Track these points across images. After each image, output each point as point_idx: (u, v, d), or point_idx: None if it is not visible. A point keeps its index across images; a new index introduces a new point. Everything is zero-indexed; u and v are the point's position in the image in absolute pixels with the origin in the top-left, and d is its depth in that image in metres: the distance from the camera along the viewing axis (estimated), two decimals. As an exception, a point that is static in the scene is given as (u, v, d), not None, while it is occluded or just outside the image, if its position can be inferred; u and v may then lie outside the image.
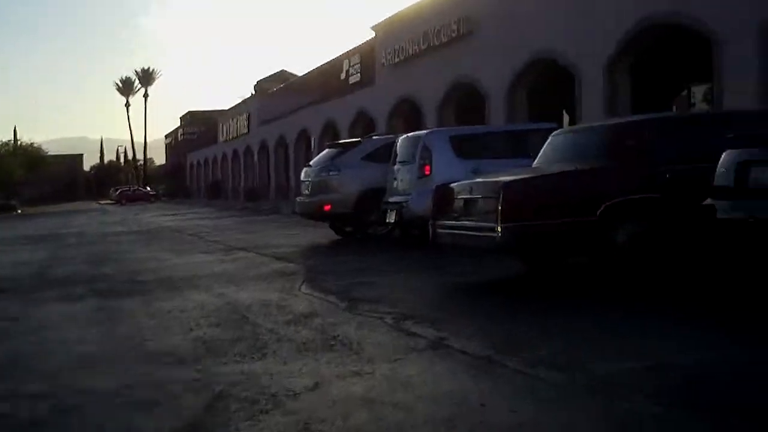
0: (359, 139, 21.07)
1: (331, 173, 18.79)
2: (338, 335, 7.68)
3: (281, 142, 55.93)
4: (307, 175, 19.91)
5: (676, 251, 9.80)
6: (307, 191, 19.64)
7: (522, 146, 15.11)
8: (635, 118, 12.00)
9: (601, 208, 9.58)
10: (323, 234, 20.06)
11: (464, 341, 7.12)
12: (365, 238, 18.40)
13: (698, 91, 26.08)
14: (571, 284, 10.39)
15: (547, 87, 26.28)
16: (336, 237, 19.73)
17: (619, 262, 9.70)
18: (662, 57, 23.01)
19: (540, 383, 5.71)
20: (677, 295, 8.91)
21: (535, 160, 11.43)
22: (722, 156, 8.63)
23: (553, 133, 11.76)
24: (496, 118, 27.16)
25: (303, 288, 11.08)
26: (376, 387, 5.84)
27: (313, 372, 6.35)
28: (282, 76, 75.44)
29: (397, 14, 35.88)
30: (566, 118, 27.13)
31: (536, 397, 5.40)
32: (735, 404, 5.01)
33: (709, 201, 8.62)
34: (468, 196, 10.52)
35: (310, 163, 20.98)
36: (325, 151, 20.66)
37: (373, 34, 39.21)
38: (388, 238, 17.80)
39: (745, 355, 6.19)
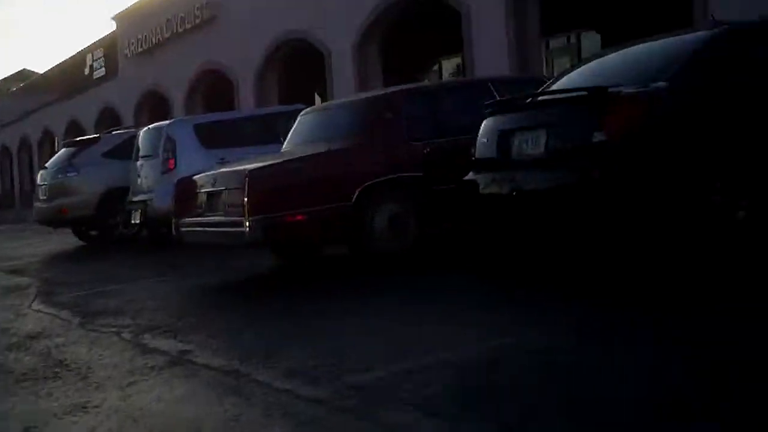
0: (98, 135, 19.65)
1: (68, 174, 17.28)
2: (66, 359, 6.59)
3: (24, 144, 52.93)
4: (43, 179, 18.30)
5: (441, 232, 9.23)
6: (44, 196, 18.02)
7: (273, 131, 14.20)
8: (388, 90, 11.36)
9: (357, 192, 8.84)
10: (66, 241, 18.55)
11: (210, 354, 6.19)
12: (111, 241, 17.06)
13: (449, 64, 26.07)
14: (330, 278, 9.58)
15: (300, 68, 25.63)
16: (80, 243, 18.30)
17: (378, 249, 9.03)
18: (413, 31, 22.75)
19: (295, 401, 4.82)
20: (446, 280, 8.26)
21: (284, 144, 10.58)
22: (482, 125, 8.02)
23: (302, 113, 10.91)
24: (248, 104, 26.31)
25: (34, 304, 9.81)
26: (104, 423, 4.83)
27: (29, 411, 5.27)
28: (23, 74, 71.62)
29: (138, 2, 34.35)
30: (318, 99, 26.62)
31: (290, 419, 4.54)
32: (517, 411, 4.28)
33: (471, 175, 7.98)
34: (211, 189, 9.52)
35: (46, 164, 19.38)
36: (62, 150, 19.09)
37: (116, 25, 37.52)
38: (136, 240, 16.58)
39: (512, 344, 5.51)
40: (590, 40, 21.26)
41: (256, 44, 25.95)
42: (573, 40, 22.45)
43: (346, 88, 21.86)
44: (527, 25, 18.01)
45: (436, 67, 27.16)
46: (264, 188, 8.76)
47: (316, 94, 27.14)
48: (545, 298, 6.81)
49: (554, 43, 22.29)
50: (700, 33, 7.83)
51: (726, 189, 6.82)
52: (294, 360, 5.66)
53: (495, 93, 9.52)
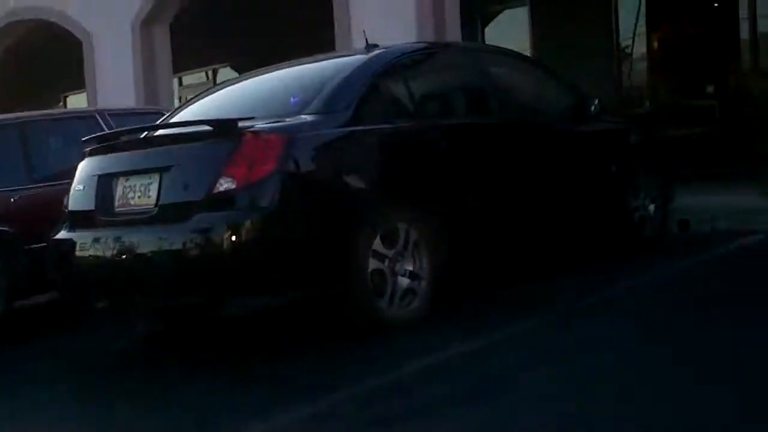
0: None
1: None
2: None
3: None
4: None
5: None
6: None
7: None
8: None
9: None
10: None
11: None
12: None
13: (78, 100, 23.95)
14: None
15: None
16: None
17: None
18: (34, 62, 20.69)
19: None
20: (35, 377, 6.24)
21: None
22: (78, 168, 6.26)
23: None
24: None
25: None
26: None
27: None
28: None
29: None
30: None
31: None
32: None
33: (65, 233, 6.15)
34: None
35: None
36: None
37: None
38: None
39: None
40: (226, 76, 20.15)
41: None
42: (210, 75, 21.31)
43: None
44: (156, 59, 16.62)
45: (62, 104, 24.88)
46: None
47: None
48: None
49: (188, 79, 20.99)
50: (352, 58, 6.61)
51: (389, 253, 5.58)
52: None
53: (105, 127, 7.85)
